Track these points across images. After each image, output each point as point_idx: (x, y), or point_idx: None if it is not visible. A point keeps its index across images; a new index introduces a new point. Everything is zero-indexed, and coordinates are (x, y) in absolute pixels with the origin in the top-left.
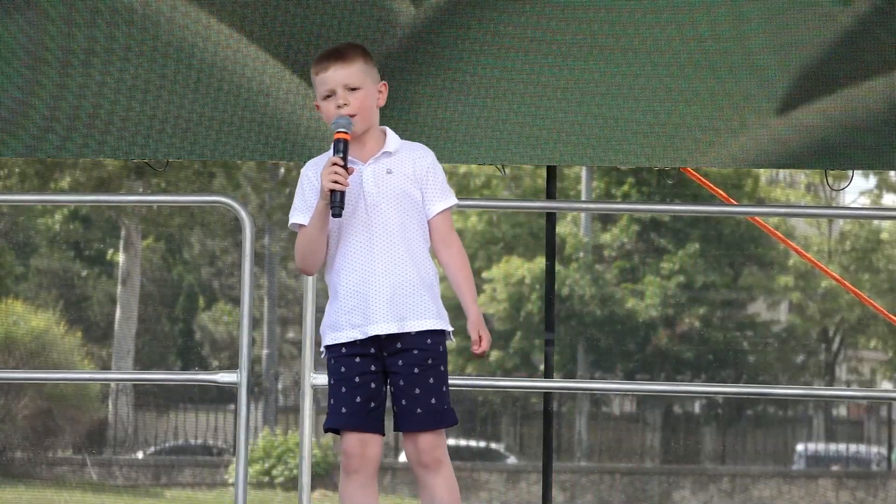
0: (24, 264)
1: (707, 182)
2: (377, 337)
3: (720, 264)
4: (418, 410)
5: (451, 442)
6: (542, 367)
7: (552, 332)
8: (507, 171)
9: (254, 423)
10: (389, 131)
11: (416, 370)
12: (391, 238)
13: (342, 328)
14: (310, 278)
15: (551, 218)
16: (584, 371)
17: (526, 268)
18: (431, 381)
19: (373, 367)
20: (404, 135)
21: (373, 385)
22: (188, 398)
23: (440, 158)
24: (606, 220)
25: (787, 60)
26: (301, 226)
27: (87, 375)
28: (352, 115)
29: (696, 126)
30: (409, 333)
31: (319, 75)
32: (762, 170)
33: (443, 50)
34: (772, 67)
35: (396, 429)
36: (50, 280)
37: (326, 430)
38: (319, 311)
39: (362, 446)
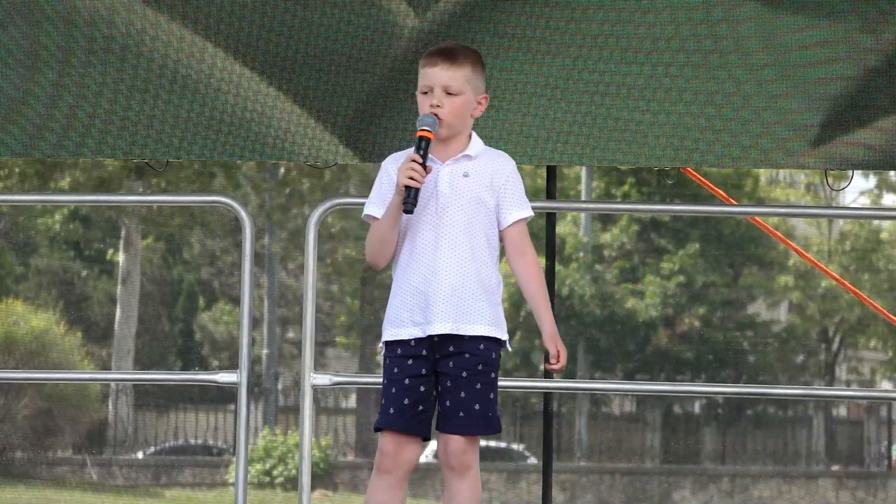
0: (24, 264)
1: (707, 182)
2: (431, 339)
3: (720, 264)
4: (460, 414)
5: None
6: (542, 367)
7: None
8: None
9: (254, 423)
10: (475, 136)
11: (464, 374)
12: (456, 240)
13: (404, 324)
14: (310, 279)
15: (551, 218)
16: (584, 371)
17: None
18: (479, 386)
19: (423, 371)
20: (403, 135)
21: (422, 388)
22: (188, 398)
23: None
24: (606, 220)
25: (786, 60)
26: (374, 218)
27: (87, 375)
28: (440, 119)
29: (696, 126)
30: (462, 337)
31: (424, 69)
32: (762, 170)
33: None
34: (771, 67)
35: (437, 428)
36: (50, 280)
37: (376, 430)
38: (319, 312)
39: (398, 447)
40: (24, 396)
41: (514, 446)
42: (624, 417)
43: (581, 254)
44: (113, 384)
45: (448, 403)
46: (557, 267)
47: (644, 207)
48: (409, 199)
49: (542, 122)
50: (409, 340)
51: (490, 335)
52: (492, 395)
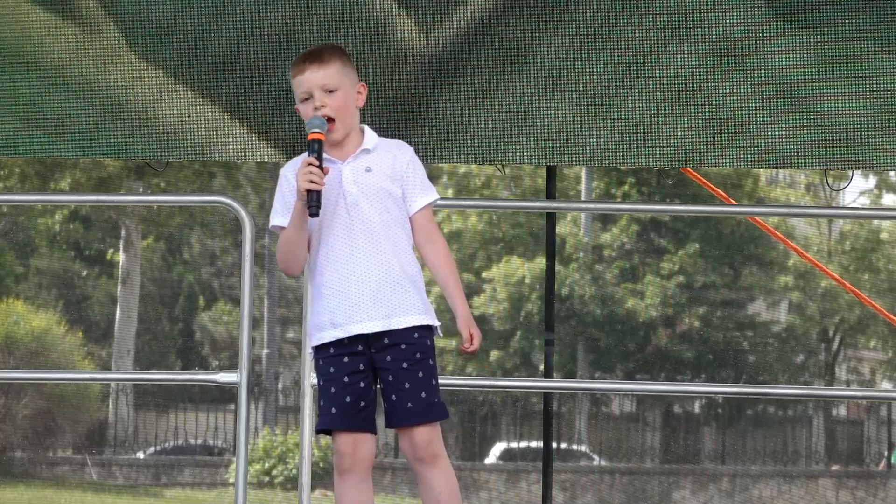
0: (24, 264)
1: (707, 182)
2: (364, 334)
3: (720, 264)
4: (409, 405)
5: (537, 444)
6: (542, 367)
7: (552, 332)
8: (507, 171)
9: (254, 423)
10: (367, 129)
11: (404, 365)
12: (373, 235)
13: (325, 328)
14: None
15: (551, 218)
16: (584, 371)
17: (526, 268)
18: (420, 375)
19: (361, 366)
20: (404, 135)
21: (362, 384)
22: (188, 398)
23: (441, 158)
24: (606, 220)
25: (784, 61)
26: (281, 227)
27: (87, 375)
28: (330, 119)
29: (696, 126)
30: (395, 329)
31: (296, 77)
32: (762, 170)
33: (444, 53)
34: (769, 67)
35: (388, 425)
36: (50, 280)
37: (318, 432)
38: None
39: (354, 446)
40: (24, 396)
41: (580, 448)
42: (624, 417)
43: (581, 254)
44: (113, 384)
45: (394, 398)
46: (557, 267)
47: (644, 207)
48: (312, 202)
49: (542, 122)
50: (343, 339)
51: (423, 324)
52: (434, 382)
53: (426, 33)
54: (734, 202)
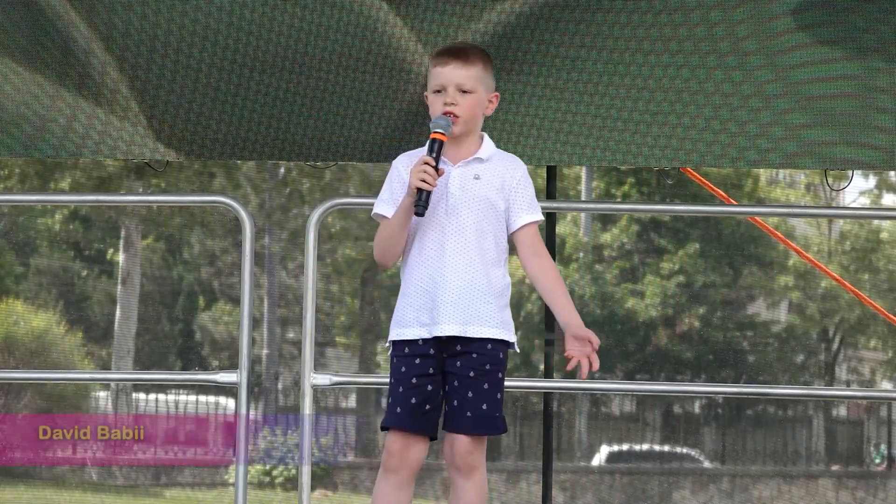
0: (24, 264)
1: (707, 182)
2: (438, 338)
3: (720, 264)
4: (468, 414)
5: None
6: (542, 367)
7: (552, 332)
8: None
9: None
10: (486, 138)
11: (471, 374)
12: (465, 241)
13: (409, 325)
14: (310, 279)
15: (551, 218)
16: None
17: None
18: (486, 386)
19: (431, 370)
20: (406, 135)
21: (430, 388)
22: None
23: None
24: (606, 220)
25: (783, 61)
26: (383, 217)
27: (87, 375)
28: (455, 117)
29: (695, 126)
30: (470, 337)
31: (436, 68)
32: (762, 170)
33: None
34: (769, 68)
35: (444, 428)
36: (50, 280)
37: (383, 429)
38: (319, 312)
39: (405, 446)
40: (24, 396)
41: (688, 451)
42: (624, 417)
43: (581, 254)
44: (113, 384)
45: (455, 403)
46: (557, 267)
47: (644, 207)
48: (420, 201)
49: (542, 122)
50: (417, 340)
51: (498, 337)
52: (499, 396)
53: (426, 34)
54: (734, 202)
